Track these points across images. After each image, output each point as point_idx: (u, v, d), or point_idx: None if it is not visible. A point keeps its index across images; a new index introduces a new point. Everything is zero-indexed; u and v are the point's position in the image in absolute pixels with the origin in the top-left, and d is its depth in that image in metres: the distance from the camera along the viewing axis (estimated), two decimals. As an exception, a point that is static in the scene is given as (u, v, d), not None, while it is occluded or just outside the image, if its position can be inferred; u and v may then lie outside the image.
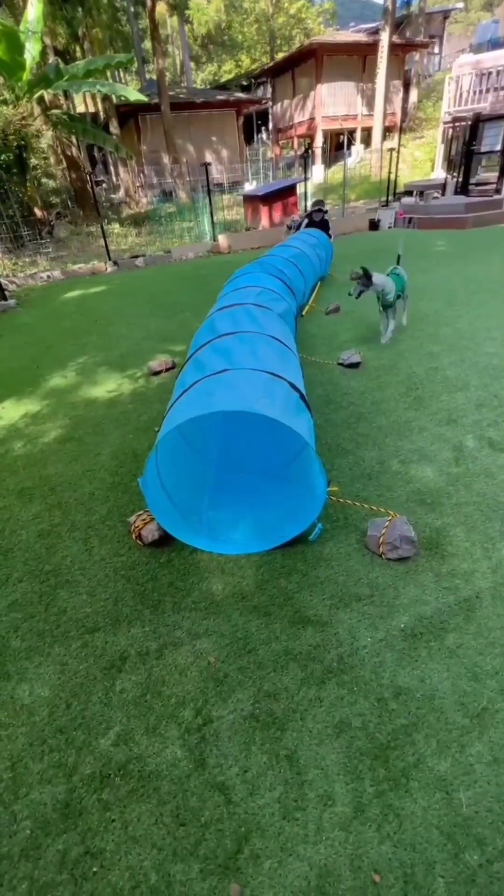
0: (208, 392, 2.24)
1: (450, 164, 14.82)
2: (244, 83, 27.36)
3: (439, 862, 1.27)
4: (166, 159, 17.36)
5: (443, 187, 13.39)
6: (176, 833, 1.38)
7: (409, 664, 1.77)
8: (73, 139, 13.84)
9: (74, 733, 1.65)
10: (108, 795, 1.47)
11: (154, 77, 18.89)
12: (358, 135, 20.49)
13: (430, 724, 1.58)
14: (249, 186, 15.91)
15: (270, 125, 25.44)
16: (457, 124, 14.37)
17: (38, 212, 11.84)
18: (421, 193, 12.68)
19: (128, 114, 18.69)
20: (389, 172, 13.02)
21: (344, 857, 1.30)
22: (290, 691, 1.71)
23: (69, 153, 13.72)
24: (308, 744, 1.56)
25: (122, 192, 17.58)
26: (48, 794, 1.49)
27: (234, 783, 1.47)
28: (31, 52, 10.86)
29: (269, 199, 11.66)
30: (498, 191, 12.15)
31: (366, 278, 4.07)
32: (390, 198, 13.48)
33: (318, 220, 8.34)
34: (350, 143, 19.21)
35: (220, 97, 21.05)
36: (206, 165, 11.16)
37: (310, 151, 18.52)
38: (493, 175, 12.61)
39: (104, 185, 18.26)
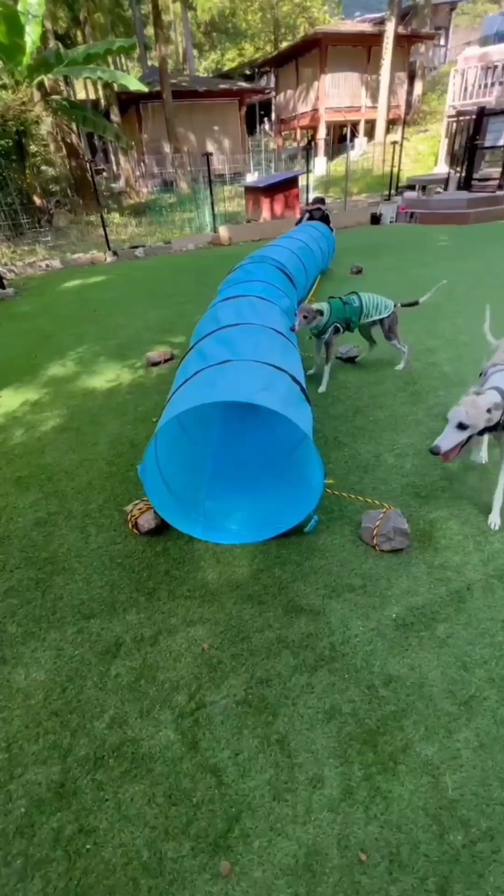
0: (210, 381, 2.24)
1: (453, 158, 14.72)
2: (247, 72, 27.02)
3: (424, 842, 1.31)
4: (167, 148, 17.17)
5: (445, 182, 13.31)
6: (168, 813, 1.41)
7: (400, 653, 1.80)
8: (73, 126, 13.66)
9: (69, 716, 1.68)
10: (102, 776, 1.50)
11: (156, 64, 18.62)
12: (361, 127, 20.30)
13: (418, 710, 1.61)
14: (251, 178, 15.80)
15: (273, 115, 25.17)
16: (461, 118, 14.24)
17: (37, 199, 11.72)
18: (423, 188, 12.62)
19: (129, 101, 18.44)
20: (392, 166, 12.92)
21: (331, 836, 1.33)
22: (282, 678, 1.74)
23: (69, 140, 13.55)
24: (299, 728, 1.59)
25: (122, 182, 17.41)
26: (43, 774, 1.52)
27: (225, 766, 1.50)
28: (32, 35, 10.68)
29: (271, 190, 11.57)
30: (500, 186, 12.09)
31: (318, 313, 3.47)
32: (392, 192, 13.41)
33: (317, 217, 8.35)
34: (353, 136, 19.05)
35: (222, 86, 20.78)
36: (208, 155, 11.06)
37: (312, 143, 18.38)
38: (496, 170, 12.54)
39: (104, 173, 18.05)
